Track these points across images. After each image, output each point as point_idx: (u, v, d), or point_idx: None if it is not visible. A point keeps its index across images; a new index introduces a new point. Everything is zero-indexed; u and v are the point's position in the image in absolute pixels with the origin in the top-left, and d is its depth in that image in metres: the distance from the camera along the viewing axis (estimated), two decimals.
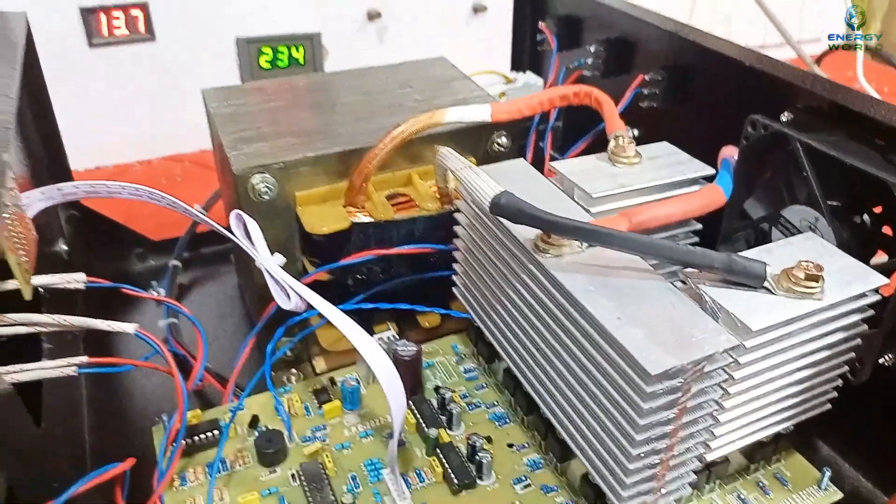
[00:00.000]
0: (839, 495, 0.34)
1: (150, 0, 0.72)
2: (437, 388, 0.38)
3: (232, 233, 0.35)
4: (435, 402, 0.37)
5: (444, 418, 0.36)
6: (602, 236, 0.28)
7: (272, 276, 0.34)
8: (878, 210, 0.34)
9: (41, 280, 0.36)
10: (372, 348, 0.31)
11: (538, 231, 0.30)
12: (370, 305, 0.40)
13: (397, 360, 0.36)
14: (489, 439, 0.36)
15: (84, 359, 0.32)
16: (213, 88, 0.47)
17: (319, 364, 0.44)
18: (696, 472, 0.30)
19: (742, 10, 1.02)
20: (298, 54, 0.78)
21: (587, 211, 0.34)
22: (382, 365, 0.31)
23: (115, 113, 0.74)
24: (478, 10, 0.85)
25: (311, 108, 0.46)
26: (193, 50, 0.75)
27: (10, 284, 0.31)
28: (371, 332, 0.38)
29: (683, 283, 0.29)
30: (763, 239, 0.38)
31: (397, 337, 0.42)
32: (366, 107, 0.45)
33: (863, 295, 0.29)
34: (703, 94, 0.44)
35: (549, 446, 0.34)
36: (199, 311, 0.53)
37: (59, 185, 0.37)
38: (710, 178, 0.37)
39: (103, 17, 0.70)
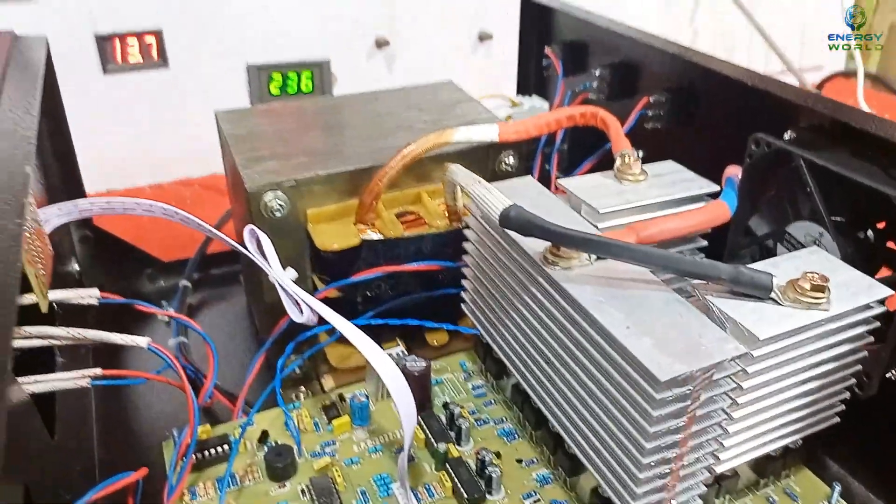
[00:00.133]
0: None
1: (163, 27, 0.73)
2: (445, 405, 0.38)
3: (245, 248, 0.36)
4: (444, 418, 0.37)
5: (452, 434, 0.37)
6: (611, 248, 0.28)
7: (284, 290, 0.35)
8: (881, 226, 0.34)
9: (56, 295, 0.37)
10: (383, 360, 0.32)
11: (547, 244, 0.31)
12: (379, 321, 0.40)
13: (406, 375, 0.36)
14: (498, 454, 0.36)
15: (98, 371, 0.33)
16: (226, 110, 0.48)
17: (328, 382, 0.44)
18: (706, 486, 0.30)
19: (744, 38, 1.04)
20: (308, 81, 0.80)
21: (594, 226, 0.34)
22: (393, 377, 0.31)
23: (126, 137, 0.75)
24: (483, 38, 0.87)
25: (322, 129, 0.47)
26: (205, 76, 0.76)
27: (27, 299, 0.32)
28: None
29: (691, 295, 0.30)
30: (768, 255, 0.38)
31: (406, 353, 0.42)
32: (375, 128, 0.46)
33: (868, 307, 0.29)
34: (706, 114, 0.44)
35: (559, 461, 0.34)
36: (209, 330, 0.53)
37: (75, 201, 0.38)
38: (714, 195, 0.37)
39: (118, 44, 0.72)
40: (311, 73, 0.80)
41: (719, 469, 0.30)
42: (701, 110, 0.45)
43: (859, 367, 0.31)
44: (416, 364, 0.38)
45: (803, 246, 0.36)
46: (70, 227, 0.53)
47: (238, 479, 0.35)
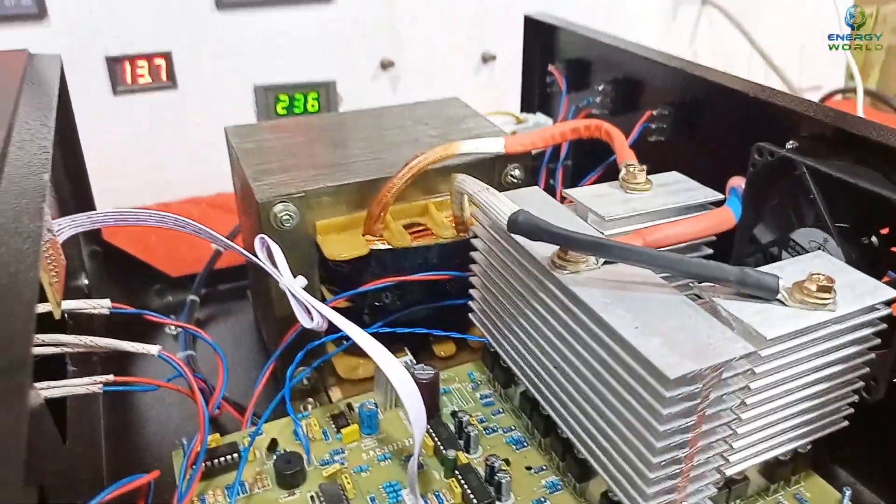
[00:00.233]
0: None
1: (172, 50, 0.75)
2: (453, 413, 0.38)
3: (256, 256, 0.36)
4: (452, 426, 0.38)
5: (461, 442, 0.37)
6: (618, 250, 0.29)
7: (295, 297, 0.35)
8: (884, 231, 0.35)
9: (67, 305, 0.37)
10: (393, 365, 0.32)
11: (554, 249, 0.31)
12: (388, 329, 0.41)
13: (415, 383, 0.36)
14: (507, 462, 0.36)
15: (110, 377, 0.33)
16: (236, 126, 0.49)
17: (335, 394, 0.45)
18: (716, 489, 0.30)
19: (743, 59, 1.05)
20: (314, 101, 0.81)
21: (601, 233, 0.35)
22: (403, 381, 0.31)
23: (135, 157, 0.76)
24: (487, 59, 0.88)
25: (330, 143, 0.47)
26: (213, 97, 0.78)
27: (40, 308, 0.32)
28: None
29: (698, 297, 0.30)
30: (773, 262, 0.38)
31: (414, 361, 0.42)
32: (382, 142, 0.47)
33: (874, 308, 0.30)
34: (708, 127, 0.45)
35: (568, 467, 0.34)
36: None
37: (88, 212, 0.38)
38: (718, 204, 0.38)
39: (128, 66, 0.73)
40: (317, 94, 0.81)
41: (729, 471, 0.30)
42: (703, 123, 0.45)
43: (866, 369, 0.32)
44: (425, 372, 0.38)
45: (808, 251, 0.36)
46: (80, 242, 0.53)
47: (247, 486, 0.35)
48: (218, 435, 0.37)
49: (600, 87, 0.52)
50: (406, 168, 0.40)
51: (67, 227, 0.38)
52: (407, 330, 0.40)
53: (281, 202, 0.39)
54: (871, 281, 0.30)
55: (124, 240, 0.58)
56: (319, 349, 0.42)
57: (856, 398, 0.32)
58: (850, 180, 0.33)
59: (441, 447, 0.36)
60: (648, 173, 0.39)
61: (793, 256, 0.37)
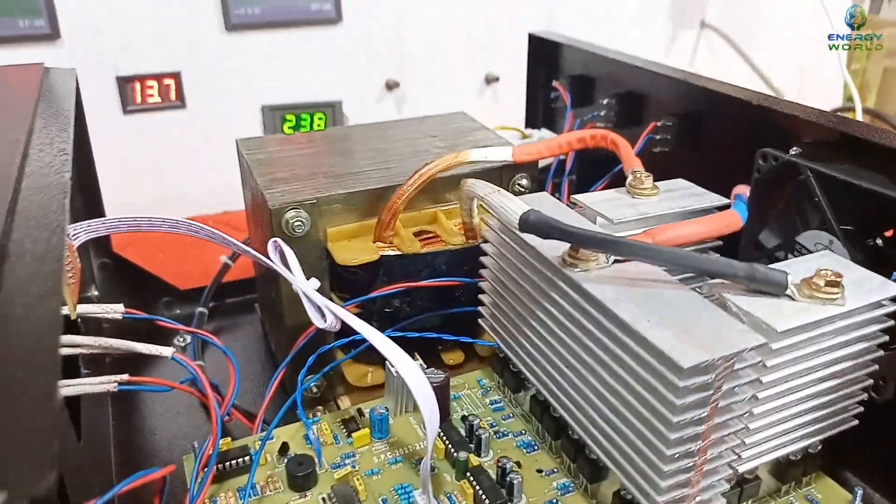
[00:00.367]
0: None
1: (182, 70, 0.76)
2: (463, 418, 0.39)
3: (269, 259, 0.37)
4: (463, 431, 0.38)
5: (472, 445, 0.37)
6: (629, 247, 0.29)
7: (308, 298, 0.35)
8: (889, 233, 0.35)
9: (81, 309, 0.38)
10: (407, 363, 0.32)
11: (564, 248, 0.32)
12: (398, 333, 0.41)
13: None
14: (518, 464, 0.36)
15: (124, 377, 0.33)
16: (247, 138, 0.50)
17: (344, 403, 0.45)
18: (728, 486, 0.30)
19: (742, 80, 1.07)
20: (320, 121, 0.82)
21: None
22: (417, 379, 0.32)
23: (143, 175, 0.77)
24: (490, 80, 0.89)
25: (340, 154, 0.48)
26: (220, 116, 0.79)
27: None
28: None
29: (709, 294, 0.30)
30: None
31: (424, 366, 0.42)
32: (392, 153, 0.48)
33: (881, 304, 0.30)
34: (712, 136, 0.46)
35: (580, 468, 0.34)
36: (223, 360, 0.54)
37: (102, 218, 0.39)
38: (724, 209, 0.38)
39: (138, 86, 0.75)
40: (323, 114, 0.83)
41: (741, 468, 0.30)
42: (707, 132, 0.46)
43: (875, 367, 0.32)
44: (435, 376, 0.38)
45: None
46: (90, 254, 0.54)
47: (259, 489, 0.35)
48: (229, 439, 0.38)
49: (604, 101, 0.53)
50: (416, 175, 0.41)
51: (82, 231, 0.39)
52: (417, 335, 0.41)
53: (293, 209, 0.40)
54: (877, 278, 0.31)
55: (132, 255, 0.58)
56: (329, 357, 0.42)
57: (865, 396, 0.33)
58: (855, 182, 0.34)
59: (452, 450, 0.36)
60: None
61: None
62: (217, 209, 0.79)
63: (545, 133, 0.60)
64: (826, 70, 1.04)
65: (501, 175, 0.45)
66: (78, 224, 0.39)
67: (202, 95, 0.78)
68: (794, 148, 0.39)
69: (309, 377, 0.42)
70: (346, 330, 0.39)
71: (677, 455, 0.27)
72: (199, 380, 0.36)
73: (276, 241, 0.37)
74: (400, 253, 0.41)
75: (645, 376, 0.27)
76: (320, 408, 0.44)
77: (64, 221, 0.25)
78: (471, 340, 0.42)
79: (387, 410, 0.38)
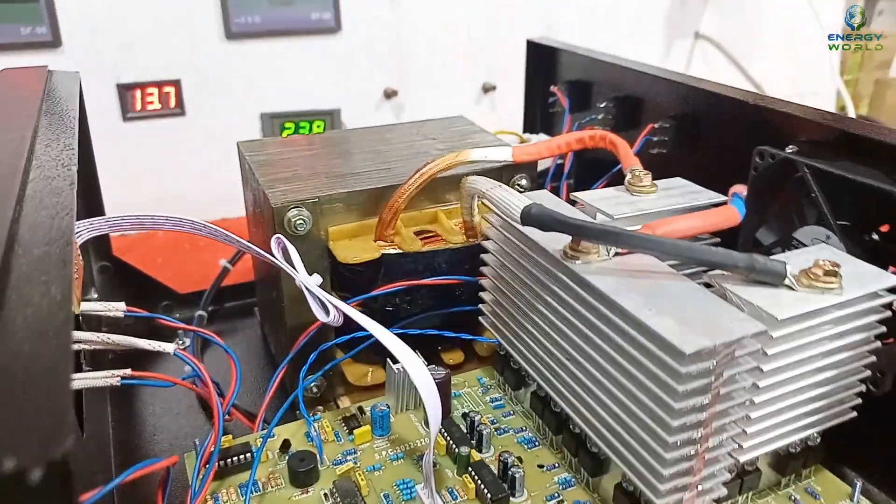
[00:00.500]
0: None
1: (182, 78, 0.76)
2: (464, 415, 0.39)
3: (272, 255, 0.37)
4: (464, 427, 0.38)
5: (473, 441, 0.37)
6: (630, 238, 0.30)
7: (311, 293, 0.36)
8: (884, 229, 0.35)
9: (84, 306, 0.38)
10: (410, 356, 0.32)
11: (566, 242, 0.32)
12: (398, 331, 0.41)
13: None
14: (520, 459, 0.36)
15: (127, 371, 0.33)
16: (247, 140, 0.50)
17: (344, 403, 0.45)
18: (729, 475, 0.30)
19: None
20: (319, 129, 0.83)
21: None
22: (420, 371, 0.32)
23: (142, 181, 0.78)
24: (487, 89, 0.90)
25: (341, 155, 0.48)
26: (220, 124, 0.79)
27: None
28: (395, 363, 0.39)
29: (709, 286, 0.31)
30: None
31: (426, 362, 0.43)
32: (392, 154, 0.48)
33: (878, 295, 0.30)
34: (710, 137, 0.46)
35: (581, 462, 0.34)
36: (223, 361, 0.54)
37: (106, 216, 0.39)
38: (721, 206, 0.39)
39: (138, 94, 0.75)
40: (322, 122, 0.83)
41: (742, 458, 0.30)
42: (704, 133, 0.47)
43: (873, 358, 0.32)
44: (437, 373, 0.38)
45: None
46: (90, 257, 0.54)
47: (261, 485, 0.35)
48: (230, 436, 0.38)
49: (602, 105, 0.54)
50: (417, 174, 0.41)
51: (85, 230, 0.39)
52: (418, 331, 0.41)
53: (295, 207, 0.40)
54: (874, 269, 0.31)
55: (132, 260, 0.58)
56: (329, 356, 0.42)
57: (863, 388, 0.33)
58: (851, 177, 0.34)
59: (453, 445, 0.36)
60: None
61: None
62: (215, 216, 0.79)
63: (543, 138, 0.61)
64: (819, 81, 1.05)
65: (501, 175, 0.46)
66: (81, 222, 0.39)
67: (202, 103, 0.78)
68: (791, 146, 0.39)
69: (309, 376, 0.42)
70: (346, 327, 0.39)
71: (680, 442, 0.27)
72: (202, 375, 0.36)
73: (279, 238, 0.37)
74: (401, 251, 0.41)
75: (647, 364, 0.27)
76: (320, 408, 0.44)
77: (72, 206, 0.25)
78: (471, 337, 0.43)
79: (388, 407, 0.38)
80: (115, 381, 0.33)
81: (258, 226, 0.48)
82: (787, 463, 0.33)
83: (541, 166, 0.54)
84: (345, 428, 0.39)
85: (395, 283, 0.41)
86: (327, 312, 0.35)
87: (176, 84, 0.76)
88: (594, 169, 0.53)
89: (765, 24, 1.08)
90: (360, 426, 0.38)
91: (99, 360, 0.42)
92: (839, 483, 0.35)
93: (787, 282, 0.29)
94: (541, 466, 0.36)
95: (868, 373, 0.33)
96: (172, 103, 0.77)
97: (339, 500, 0.33)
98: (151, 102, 0.76)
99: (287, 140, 0.52)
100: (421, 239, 0.43)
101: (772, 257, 0.32)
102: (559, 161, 0.57)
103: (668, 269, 0.31)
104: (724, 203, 0.39)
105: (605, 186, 0.51)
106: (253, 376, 0.52)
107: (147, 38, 0.74)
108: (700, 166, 0.47)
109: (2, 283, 0.19)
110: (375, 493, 0.35)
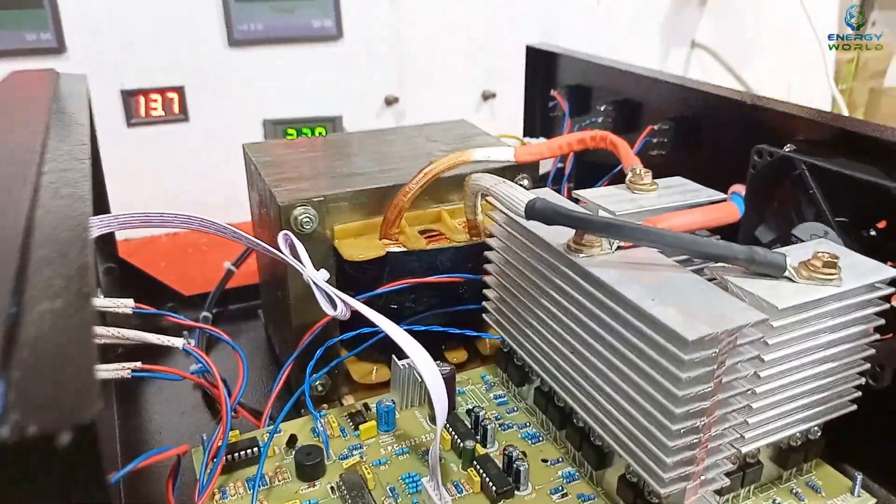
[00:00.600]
0: (872, 501, 0.34)
1: (185, 84, 0.77)
2: (469, 411, 0.39)
3: (279, 250, 0.37)
4: (468, 423, 0.38)
5: (478, 436, 0.37)
6: (632, 231, 0.30)
7: (319, 288, 0.36)
8: (881, 225, 0.36)
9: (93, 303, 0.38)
10: (417, 349, 0.33)
11: (569, 236, 0.33)
12: (403, 327, 0.41)
13: None
14: (524, 454, 0.36)
15: (137, 364, 0.34)
16: (253, 143, 0.51)
17: (349, 402, 0.45)
18: (731, 465, 0.31)
19: None
20: (320, 135, 0.83)
21: None
22: (427, 363, 0.32)
23: (146, 187, 0.78)
24: (487, 96, 0.91)
25: (345, 157, 0.49)
26: (223, 130, 0.80)
27: None
28: (401, 359, 0.40)
29: (710, 278, 0.31)
30: None
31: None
32: (396, 155, 0.49)
33: (877, 287, 0.31)
34: (708, 137, 0.47)
35: (585, 455, 0.35)
36: (228, 360, 0.54)
37: (115, 214, 0.40)
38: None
39: (142, 100, 0.76)
40: (323, 128, 0.84)
41: (744, 448, 0.31)
42: (703, 134, 0.47)
43: (872, 351, 0.33)
44: (442, 368, 0.39)
45: None
46: (96, 259, 0.54)
47: (268, 479, 0.35)
48: (237, 432, 0.38)
49: (602, 108, 0.54)
50: (421, 174, 0.42)
51: (95, 226, 0.39)
52: (422, 328, 0.41)
53: (301, 205, 0.41)
54: (872, 262, 0.32)
55: (137, 262, 0.59)
56: (334, 355, 0.43)
57: (863, 381, 0.33)
58: (849, 174, 0.35)
59: (458, 440, 0.36)
60: None
61: None
62: (219, 221, 0.80)
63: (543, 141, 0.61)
64: (815, 90, 1.06)
65: (504, 175, 0.45)
66: (91, 218, 0.40)
67: (205, 109, 0.79)
68: (789, 145, 0.40)
69: (315, 374, 0.43)
70: (352, 324, 0.39)
71: (683, 431, 0.28)
72: (210, 369, 0.37)
73: (286, 234, 0.38)
74: (406, 249, 0.42)
75: (650, 353, 0.28)
76: (325, 405, 0.45)
77: (88, 195, 0.26)
78: (475, 334, 0.43)
79: (393, 403, 0.39)
80: (125, 374, 0.33)
81: (264, 226, 0.48)
82: (789, 456, 0.34)
83: (541, 169, 0.55)
84: (350, 424, 0.39)
85: (400, 280, 0.42)
86: (335, 307, 0.35)
87: (179, 91, 0.77)
88: (594, 171, 0.54)
89: (761, 34, 1.09)
90: (366, 422, 0.39)
91: (107, 356, 0.42)
92: (840, 477, 0.35)
93: (787, 273, 0.30)
94: (545, 461, 0.36)
95: (867, 366, 0.33)
96: (176, 109, 0.78)
97: (345, 493, 0.34)
98: (155, 109, 0.76)
99: (292, 142, 0.52)
100: (425, 238, 0.44)
101: (770, 251, 0.32)
102: (560, 164, 0.57)
103: (669, 261, 0.32)
104: (724, 201, 0.39)
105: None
106: (257, 377, 0.52)
107: (151, 45, 0.75)
108: (699, 167, 0.48)
109: (23, 265, 0.19)
110: (382, 486, 0.35)
